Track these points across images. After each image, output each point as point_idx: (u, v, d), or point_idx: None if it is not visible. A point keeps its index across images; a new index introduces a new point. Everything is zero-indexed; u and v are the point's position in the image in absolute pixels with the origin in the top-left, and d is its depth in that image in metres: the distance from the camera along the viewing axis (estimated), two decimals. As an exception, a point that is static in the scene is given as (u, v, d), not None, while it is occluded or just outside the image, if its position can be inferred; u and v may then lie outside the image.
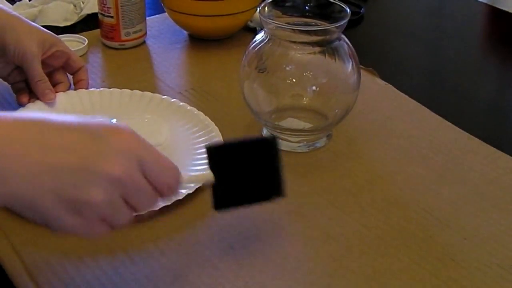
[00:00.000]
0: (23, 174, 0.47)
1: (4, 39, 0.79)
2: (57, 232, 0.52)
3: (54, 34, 0.84)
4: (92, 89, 0.86)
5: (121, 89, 0.85)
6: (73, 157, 0.48)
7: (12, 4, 1.11)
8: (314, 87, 0.77)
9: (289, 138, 0.78)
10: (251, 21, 1.06)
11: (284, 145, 0.78)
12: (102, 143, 0.49)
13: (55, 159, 0.48)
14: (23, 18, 0.82)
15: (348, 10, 0.74)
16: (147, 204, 0.53)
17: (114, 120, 0.77)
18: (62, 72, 0.86)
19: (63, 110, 0.81)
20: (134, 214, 0.53)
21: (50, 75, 0.84)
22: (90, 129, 0.50)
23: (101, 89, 0.86)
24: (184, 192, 0.68)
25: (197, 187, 0.69)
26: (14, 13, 0.82)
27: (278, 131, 0.78)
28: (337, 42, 0.75)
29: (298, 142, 0.78)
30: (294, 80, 0.76)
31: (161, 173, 0.52)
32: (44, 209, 0.49)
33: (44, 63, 0.82)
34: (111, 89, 0.85)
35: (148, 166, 0.51)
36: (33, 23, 0.82)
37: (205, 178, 0.58)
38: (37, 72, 0.80)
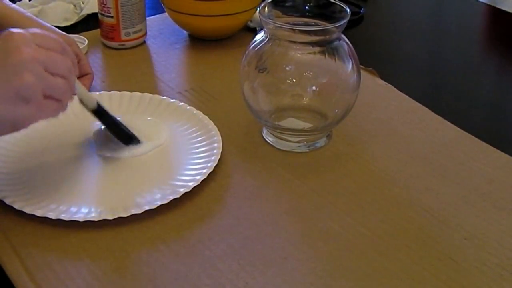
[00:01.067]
0: None
1: None
2: (26, 126, 0.63)
3: (68, 35, 0.84)
4: (92, 92, 0.86)
5: (120, 90, 0.85)
6: None
7: (12, 4, 1.12)
8: (314, 87, 0.77)
9: (289, 138, 0.78)
10: (251, 21, 1.06)
11: (284, 145, 0.78)
12: (4, 45, 0.60)
13: None
14: (37, 19, 0.82)
15: (348, 10, 0.74)
16: (65, 66, 0.63)
17: None
18: None
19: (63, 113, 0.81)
20: (66, 82, 0.63)
21: None
22: None
23: (101, 92, 0.86)
24: (182, 190, 0.68)
25: (194, 186, 0.69)
26: (28, 14, 0.82)
27: (278, 131, 0.78)
28: (337, 42, 0.75)
29: (298, 142, 0.78)
30: (294, 80, 0.76)
31: (49, 40, 0.63)
32: (1, 116, 0.60)
33: None
34: (111, 91, 0.85)
35: (41, 42, 0.62)
36: (47, 24, 0.82)
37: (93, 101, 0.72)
38: None
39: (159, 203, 0.67)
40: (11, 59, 0.59)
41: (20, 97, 0.60)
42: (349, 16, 0.73)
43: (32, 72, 0.60)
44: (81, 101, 0.71)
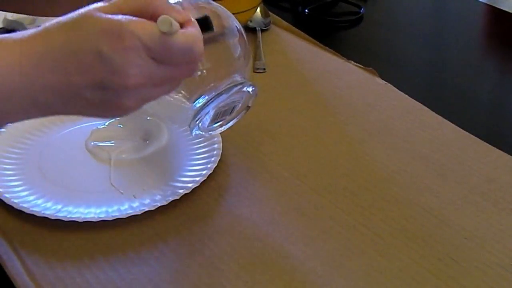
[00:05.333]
0: (62, 100, 0.52)
1: None
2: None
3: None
4: None
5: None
6: (93, 77, 0.51)
7: (12, 5, 1.11)
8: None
9: None
10: (251, 21, 1.06)
11: None
12: (109, 61, 0.50)
13: (80, 81, 0.51)
14: None
15: None
16: (175, 84, 0.56)
17: (120, 126, 0.78)
18: None
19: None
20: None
21: None
22: (96, 49, 0.51)
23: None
24: (181, 192, 0.68)
25: (194, 187, 0.69)
26: None
27: None
28: None
29: None
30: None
31: (174, 57, 0.53)
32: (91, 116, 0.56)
33: None
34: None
35: (159, 55, 0.52)
36: None
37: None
38: None
39: (159, 204, 0.67)
40: (114, 81, 0.51)
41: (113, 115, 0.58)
42: None
43: (133, 99, 0.53)
44: None
